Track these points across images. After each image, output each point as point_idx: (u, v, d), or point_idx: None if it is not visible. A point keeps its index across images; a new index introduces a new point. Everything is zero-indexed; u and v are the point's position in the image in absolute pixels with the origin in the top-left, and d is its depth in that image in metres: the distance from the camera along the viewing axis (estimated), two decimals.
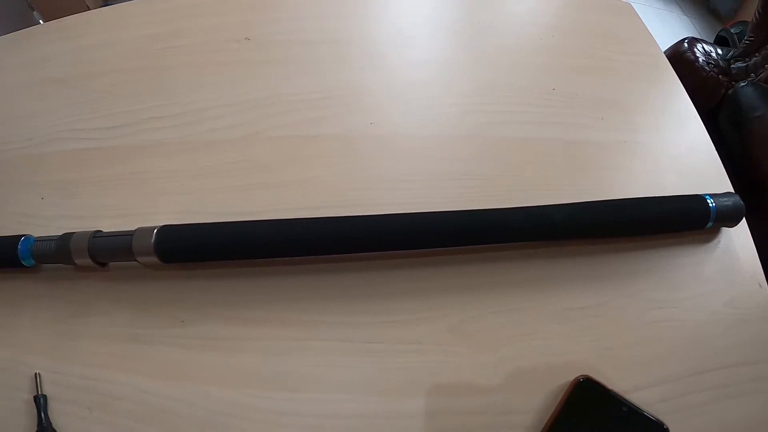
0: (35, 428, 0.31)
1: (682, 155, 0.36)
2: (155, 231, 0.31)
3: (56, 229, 0.37)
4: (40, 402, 0.32)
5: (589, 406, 0.23)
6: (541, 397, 0.25)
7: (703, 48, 0.56)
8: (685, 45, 0.56)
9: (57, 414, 0.31)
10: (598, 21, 0.43)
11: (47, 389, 0.32)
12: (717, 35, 0.79)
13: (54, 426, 0.31)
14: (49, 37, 0.53)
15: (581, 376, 0.24)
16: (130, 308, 0.33)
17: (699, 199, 0.32)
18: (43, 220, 0.40)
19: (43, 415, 0.31)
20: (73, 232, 0.34)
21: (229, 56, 0.45)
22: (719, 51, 0.59)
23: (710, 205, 0.31)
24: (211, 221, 0.33)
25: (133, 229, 0.33)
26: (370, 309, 0.30)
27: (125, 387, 0.31)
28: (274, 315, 0.31)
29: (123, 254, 0.33)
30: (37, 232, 0.36)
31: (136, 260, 0.32)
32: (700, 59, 0.56)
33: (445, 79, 0.40)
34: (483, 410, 0.25)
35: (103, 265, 0.35)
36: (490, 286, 0.30)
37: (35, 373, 0.33)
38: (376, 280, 0.31)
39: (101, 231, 0.34)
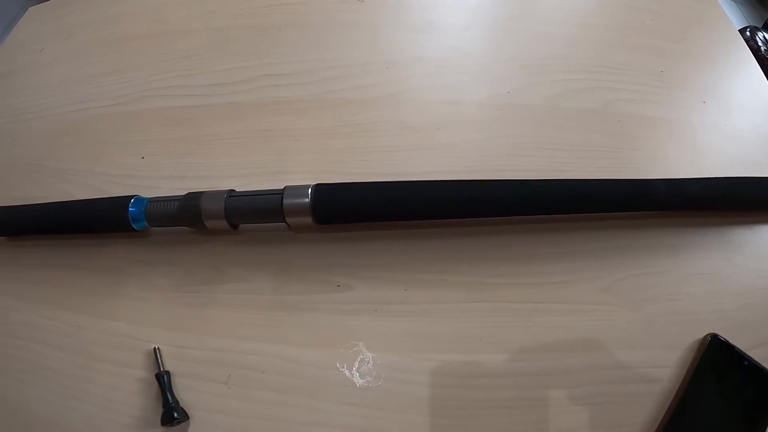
0: (160, 408, 0.28)
1: None
2: (311, 189, 0.29)
3: (166, 190, 0.33)
4: (164, 380, 0.28)
5: (717, 361, 0.26)
6: (679, 352, 0.26)
7: (764, 37, 0.58)
8: (747, 34, 0.58)
9: (184, 391, 0.28)
10: (688, 7, 0.44)
11: (168, 365, 0.29)
12: (765, 22, 0.78)
13: (182, 405, 0.28)
14: None
15: (710, 334, 0.27)
16: (274, 273, 0.30)
17: None
18: (147, 181, 0.36)
19: (168, 394, 0.28)
20: (201, 192, 0.31)
21: (345, 17, 0.43)
22: None
23: None
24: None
25: (264, 189, 0.30)
26: (529, 271, 0.29)
27: (273, 358, 0.28)
28: (436, 277, 0.29)
29: (268, 215, 0.30)
30: (141, 194, 0.33)
31: (284, 221, 0.29)
32: (762, 48, 0.58)
33: (571, 55, 0.40)
34: (632, 364, 0.26)
35: (235, 227, 0.31)
36: (631, 249, 0.30)
37: (154, 348, 0.30)
38: (532, 242, 0.30)
39: (234, 190, 0.31)
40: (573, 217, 0.31)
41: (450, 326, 0.28)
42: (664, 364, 0.26)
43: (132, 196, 0.32)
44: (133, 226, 0.32)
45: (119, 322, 0.32)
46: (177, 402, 0.28)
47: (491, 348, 0.27)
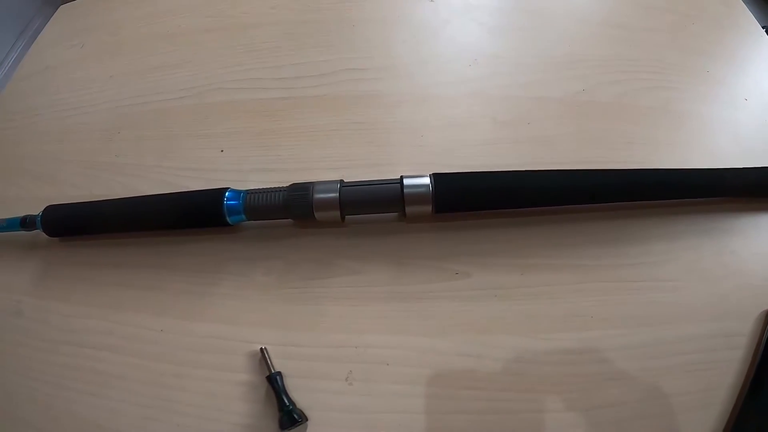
0: (269, 413, 0.26)
1: None
2: (430, 178, 0.28)
3: (255, 183, 0.32)
4: (278, 381, 0.27)
5: None
6: (750, 321, 0.28)
7: None
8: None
9: (297, 392, 0.27)
10: (721, 12, 0.47)
11: (277, 366, 0.28)
12: None
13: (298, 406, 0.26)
14: None
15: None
16: (388, 264, 0.29)
17: None
18: (231, 174, 0.35)
19: (284, 396, 0.26)
20: (311, 182, 0.30)
21: (421, 15, 0.43)
22: None
23: None
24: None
25: (374, 179, 0.30)
26: (629, 252, 0.30)
27: (397, 350, 0.27)
28: (548, 261, 0.29)
29: (385, 204, 0.29)
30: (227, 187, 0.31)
31: (402, 211, 0.29)
32: None
33: (631, 56, 0.42)
34: (716, 333, 0.28)
35: (342, 219, 0.30)
36: (705, 232, 0.32)
37: (261, 349, 0.28)
38: (628, 227, 0.31)
39: (343, 180, 0.30)
40: (657, 203, 0.33)
41: (563, 306, 0.28)
42: (740, 332, 0.28)
43: (225, 189, 0.31)
44: (228, 220, 0.30)
45: (211, 324, 0.30)
46: (294, 403, 0.26)
47: (599, 324, 0.27)
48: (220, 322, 0.30)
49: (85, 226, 0.34)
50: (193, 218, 0.31)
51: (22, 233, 0.34)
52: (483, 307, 0.28)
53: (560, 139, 0.35)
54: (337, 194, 0.29)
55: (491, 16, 0.44)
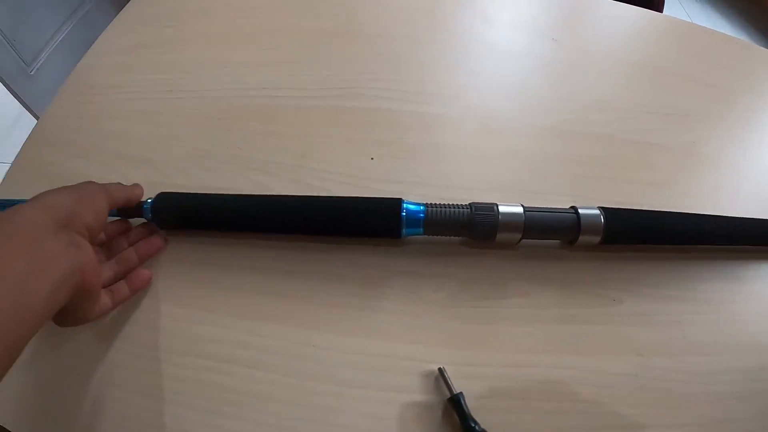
0: None
1: None
2: (601, 211, 0.31)
3: (416, 197, 0.32)
4: (462, 402, 0.27)
5: None
6: None
7: None
8: None
9: (476, 412, 0.27)
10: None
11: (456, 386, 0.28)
12: None
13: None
14: None
15: None
16: (554, 288, 0.31)
17: None
18: (383, 185, 0.34)
19: (469, 417, 0.26)
20: (492, 203, 0.30)
21: (543, 53, 0.45)
22: None
23: None
24: None
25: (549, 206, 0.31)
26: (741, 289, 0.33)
27: (564, 370, 0.29)
28: (684, 293, 0.32)
29: (562, 231, 0.31)
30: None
31: (573, 240, 0.31)
32: None
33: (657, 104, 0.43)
34: None
35: (518, 242, 0.31)
36: None
37: (439, 369, 0.28)
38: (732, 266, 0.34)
39: (523, 205, 0.31)
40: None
41: (700, 333, 0.31)
42: None
43: (398, 199, 0.30)
44: (403, 232, 0.30)
45: (374, 340, 0.29)
46: (478, 423, 0.26)
47: (705, 350, 0.30)
48: (385, 338, 0.29)
49: (208, 220, 0.31)
50: (361, 226, 0.30)
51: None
52: (636, 331, 0.31)
53: (677, 181, 0.39)
54: (522, 218, 0.30)
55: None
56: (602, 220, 0.31)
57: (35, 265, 0.20)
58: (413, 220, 0.30)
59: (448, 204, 0.30)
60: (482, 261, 0.32)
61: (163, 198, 0.31)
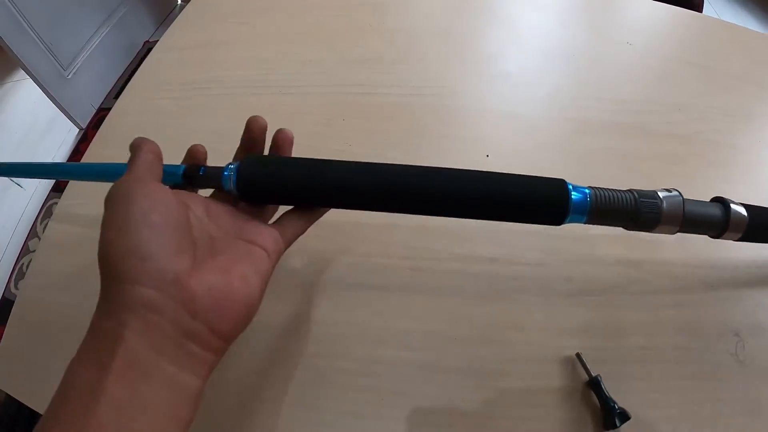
0: (593, 416, 0.26)
1: None
2: (744, 207, 0.29)
3: None
4: (600, 384, 0.27)
5: None
6: None
7: None
8: None
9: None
10: None
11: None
12: None
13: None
14: None
15: None
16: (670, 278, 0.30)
17: None
18: None
19: (608, 397, 0.26)
20: (653, 190, 0.27)
21: (619, 56, 0.43)
22: None
23: None
24: None
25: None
26: None
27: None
28: None
29: (709, 226, 0.28)
30: None
31: (719, 235, 0.29)
32: None
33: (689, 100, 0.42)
34: None
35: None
36: None
37: (576, 354, 0.28)
38: None
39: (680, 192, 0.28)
40: None
41: None
42: None
43: (562, 180, 0.26)
44: (567, 218, 0.26)
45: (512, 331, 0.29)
46: (616, 403, 0.26)
47: None
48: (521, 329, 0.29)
49: (311, 192, 0.24)
50: (520, 209, 0.26)
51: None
52: None
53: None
54: (681, 210, 0.27)
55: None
56: (746, 217, 0.29)
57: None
58: (580, 206, 0.26)
59: (613, 189, 0.27)
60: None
61: (252, 162, 0.23)
